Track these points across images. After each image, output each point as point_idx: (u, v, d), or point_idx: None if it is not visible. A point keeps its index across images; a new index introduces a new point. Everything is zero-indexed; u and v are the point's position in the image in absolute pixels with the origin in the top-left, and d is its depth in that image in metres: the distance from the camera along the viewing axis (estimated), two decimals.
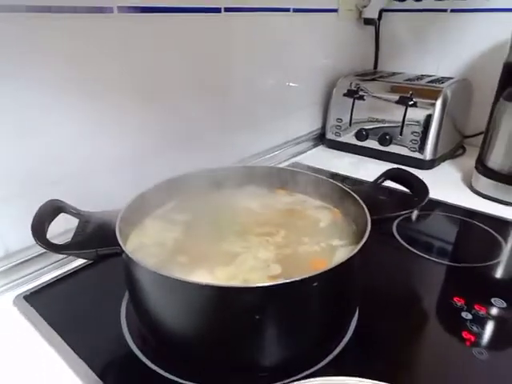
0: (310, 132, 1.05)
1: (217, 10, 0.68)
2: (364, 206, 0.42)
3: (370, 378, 0.32)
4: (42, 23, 0.48)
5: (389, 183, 0.53)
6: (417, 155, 0.90)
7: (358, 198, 0.44)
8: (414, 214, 0.72)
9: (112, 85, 0.57)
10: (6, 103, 0.47)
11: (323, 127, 1.06)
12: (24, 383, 0.39)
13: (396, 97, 0.90)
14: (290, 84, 0.92)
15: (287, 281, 0.31)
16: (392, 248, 0.61)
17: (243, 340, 0.36)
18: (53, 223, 0.41)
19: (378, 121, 0.94)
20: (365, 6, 1.00)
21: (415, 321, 0.47)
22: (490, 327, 0.45)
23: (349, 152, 1.00)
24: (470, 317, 0.46)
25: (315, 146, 1.06)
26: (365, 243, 0.37)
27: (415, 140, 0.90)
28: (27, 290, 0.50)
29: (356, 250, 0.35)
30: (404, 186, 0.49)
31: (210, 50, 0.70)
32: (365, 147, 0.97)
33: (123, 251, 0.36)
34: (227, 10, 0.69)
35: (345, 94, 0.97)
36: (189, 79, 0.67)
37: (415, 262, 0.58)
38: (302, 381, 0.32)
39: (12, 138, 0.49)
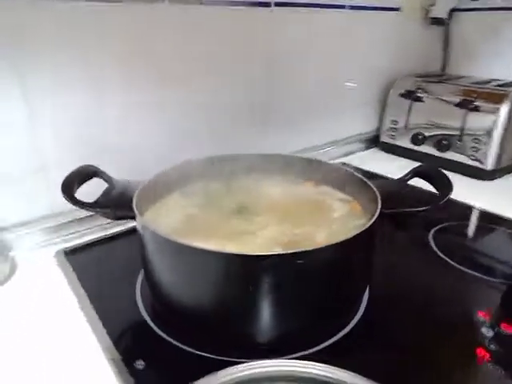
0: (363, 133, 1.02)
1: (266, 5, 0.69)
2: (376, 191, 0.41)
3: (367, 369, 0.30)
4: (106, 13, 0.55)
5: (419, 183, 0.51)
6: (477, 164, 0.84)
7: (372, 186, 0.43)
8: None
9: (163, 74, 0.62)
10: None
11: (378, 129, 1.03)
12: (48, 332, 0.43)
13: (457, 99, 0.84)
14: (344, 83, 0.90)
15: (275, 253, 0.33)
16: (423, 255, 0.58)
17: (239, 309, 0.37)
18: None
19: (436, 125, 0.89)
20: (432, 5, 0.95)
21: (429, 324, 0.44)
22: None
23: (403, 156, 0.96)
24: (491, 334, 0.43)
25: (368, 147, 1.03)
26: (366, 229, 0.36)
27: (476, 148, 0.83)
28: (68, 247, 0.56)
29: (350, 236, 0.34)
30: (429, 182, 0.47)
31: (258, 45, 0.71)
32: (420, 152, 0.92)
33: (136, 215, 0.39)
34: (277, 4, 0.70)
35: (402, 95, 0.93)
36: (236, 74, 0.70)
37: (446, 271, 0.54)
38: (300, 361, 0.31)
39: (75, 110, 0.56)
